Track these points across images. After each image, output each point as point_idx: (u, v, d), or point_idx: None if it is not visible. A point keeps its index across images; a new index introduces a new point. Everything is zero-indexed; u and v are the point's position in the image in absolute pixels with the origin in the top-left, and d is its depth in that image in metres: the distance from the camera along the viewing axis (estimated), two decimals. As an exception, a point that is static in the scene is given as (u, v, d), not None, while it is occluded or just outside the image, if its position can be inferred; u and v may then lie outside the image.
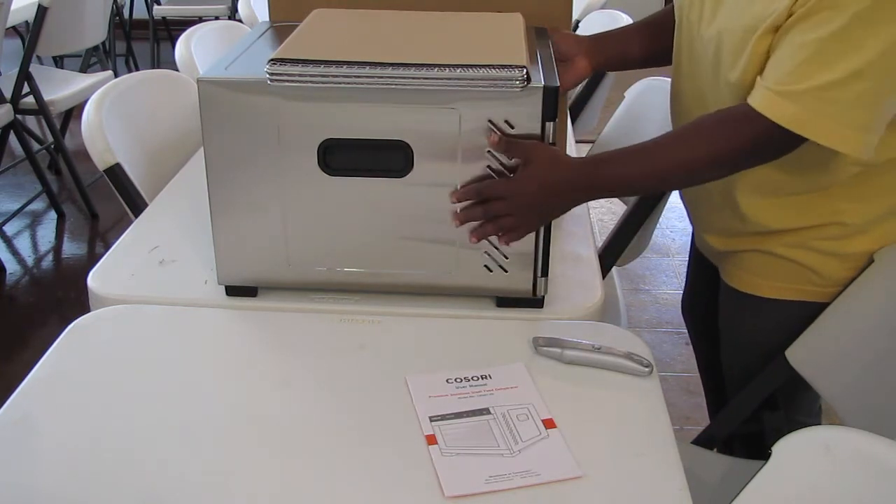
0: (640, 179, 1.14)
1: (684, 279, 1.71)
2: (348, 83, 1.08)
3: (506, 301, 1.20)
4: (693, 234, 1.56)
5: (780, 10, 1.06)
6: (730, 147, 1.11)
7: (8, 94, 3.02)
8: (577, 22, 2.72)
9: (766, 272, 1.30)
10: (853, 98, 1.03)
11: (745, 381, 1.36)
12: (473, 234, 1.13)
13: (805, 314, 1.28)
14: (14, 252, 3.15)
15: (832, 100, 1.04)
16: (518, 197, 1.10)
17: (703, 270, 1.50)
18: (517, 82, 1.07)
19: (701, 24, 1.22)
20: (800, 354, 1.28)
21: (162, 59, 5.23)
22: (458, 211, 1.13)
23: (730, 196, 1.26)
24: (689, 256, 1.65)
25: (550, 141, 1.10)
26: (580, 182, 1.12)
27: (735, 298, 1.36)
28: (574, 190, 1.13)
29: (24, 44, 3.05)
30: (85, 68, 3.74)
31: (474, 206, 1.12)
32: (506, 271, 1.18)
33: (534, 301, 1.20)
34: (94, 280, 1.26)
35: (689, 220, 1.48)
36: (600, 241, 1.69)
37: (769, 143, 1.10)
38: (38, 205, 3.45)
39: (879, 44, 1.00)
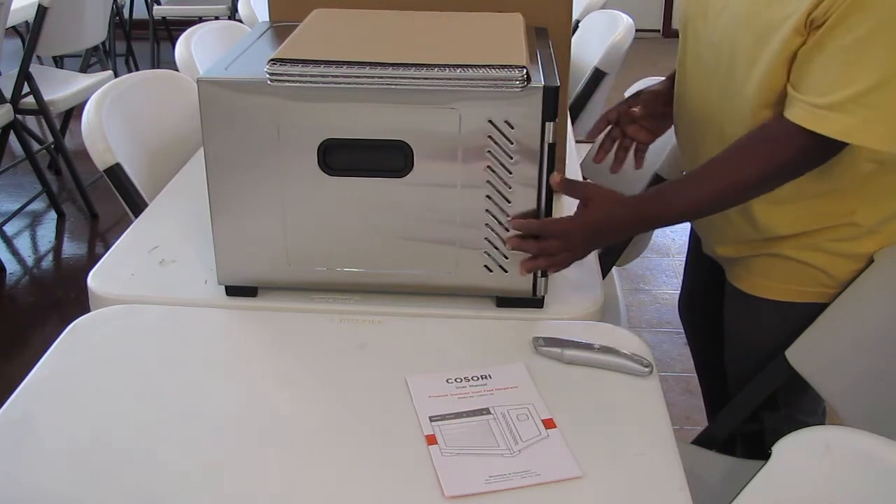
0: (692, 207, 1.17)
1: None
2: (348, 83, 1.08)
3: (506, 301, 1.20)
4: (691, 234, 1.56)
5: (796, 15, 1.06)
6: (777, 164, 1.13)
7: (8, 94, 3.02)
8: (577, 22, 2.72)
9: (776, 275, 1.30)
10: (889, 100, 1.04)
11: (749, 382, 1.36)
12: (524, 266, 1.16)
13: (811, 314, 1.28)
14: (14, 252, 3.15)
15: (877, 104, 1.04)
16: (575, 237, 1.14)
17: (702, 270, 1.50)
18: (517, 82, 1.07)
19: (707, 32, 1.22)
20: (800, 354, 1.28)
21: (162, 59, 5.23)
22: (512, 238, 1.15)
23: (745, 208, 1.26)
24: (687, 255, 1.65)
25: (550, 141, 1.10)
26: (645, 217, 1.16)
27: (742, 301, 1.36)
28: (630, 227, 1.18)
29: (24, 44, 3.05)
30: (85, 68, 3.74)
31: (529, 240, 1.15)
32: (506, 271, 1.18)
33: (534, 301, 1.20)
34: (94, 280, 1.26)
35: (695, 231, 1.47)
36: (600, 241, 1.69)
37: (816, 154, 1.12)
38: (38, 205, 3.45)
39: None
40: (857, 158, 1.16)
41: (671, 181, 1.20)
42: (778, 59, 1.11)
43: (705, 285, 1.50)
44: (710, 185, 1.15)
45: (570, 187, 1.16)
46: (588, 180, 1.16)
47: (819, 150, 1.11)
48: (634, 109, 1.42)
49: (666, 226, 1.21)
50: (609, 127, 1.43)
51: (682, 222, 1.23)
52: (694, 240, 1.56)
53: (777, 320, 1.33)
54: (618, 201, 1.15)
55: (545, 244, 1.14)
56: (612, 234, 1.18)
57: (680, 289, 1.72)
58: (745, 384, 1.38)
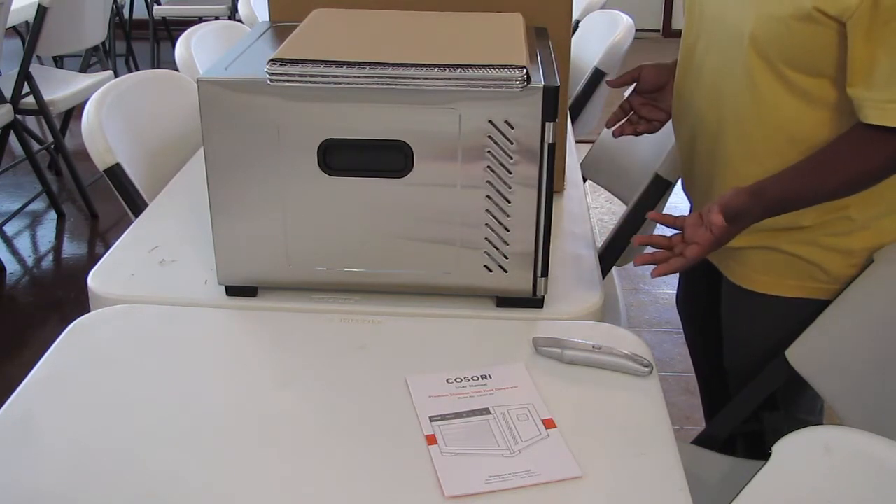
0: (803, 196, 1.18)
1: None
2: (348, 83, 1.08)
3: (506, 301, 1.20)
4: None
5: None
6: (873, 167, 1.14)
7: (8, 94, 3.02)
8: (577, 22, 2.72)
9: (772, 269, 1.30)
10: None
11: (749, 380, 1.36)
12: (657, 271, 1.19)
13: (809, 312, 1.28)
14: (14, 252, 3.15)
15: None
16: (714, 245, 1.16)
17: (698, 268, 1.51)
18: (517, 82, 1.07)
19: (725, 16, 1.23)
20: (800, 354, 1.28)
21: (162, 59, 5.23)
22: (649, 255, 1.20)
23: None
24: None
25: (550, 141, 1.10)
26: (757, 211, 1.16)
27: (739, 296, 1.36)
28: (753, 219, 1.18)
29: (24, 44, 3.05)
30: (85, 68, 3.74)
31: (663, 239, 1.18)
32: (506, 271, 1.18)
33: (534, 301, 1.20)
34: (94, 280, 1.26)
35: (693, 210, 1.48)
36: (600, 241, 1.69)
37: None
38: (38, 205, 3.45)
39: None
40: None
41: (783, 171, 1.21)
42: (816, 44, 1.12)
43: (702, 281, 1.51)
44: (822, 178, 1.16)
45: (725, 210, 1.15)
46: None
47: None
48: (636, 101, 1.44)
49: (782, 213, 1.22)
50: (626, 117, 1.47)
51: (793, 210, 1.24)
52: None
53: (773, 316, 1.33)
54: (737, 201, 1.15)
55: (685, 249, 1.17)
56: (738, 231, 1.18)
57: (677, 287, 1.73)
58: (743, 381, 1.38)
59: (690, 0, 1.32)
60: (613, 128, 1.46)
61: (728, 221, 1.14)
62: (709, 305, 1.48)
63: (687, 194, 1.46)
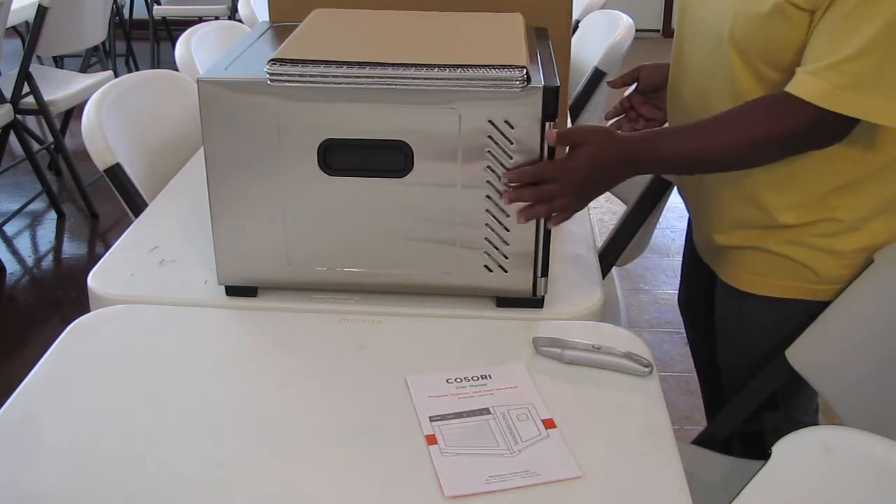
0: (678, 157, 1.17)
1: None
2: (348, 83, 1.08)
3: (506, 301, 1.20)
4: (688, 233, 1.56)
5: None
6: (780, 129, 1.13)
7: (8, 94, 3.02)
8: (577, 22, 2.72)
9: (763, 269, 1.30)
10: (870, 70, 1.06)
11: (743, 380, 1.37)
12: (522, 215, 1.14)
13: (801, 312, 1.28)
14: (14, 252, 3.15)
15: (850, 72, 1.06)
16: (571, 176, 1.12)
17: (699, 266, 1.51)
18: (517, 82, 1.07)
19: (707, 17, 1.24)
20: (800, 354, 1.28)
21: (162, 59, 5.23)
22: (507, 192, 1.13)
23: (744, 187, 1.27)
24: (684, 252, 1.65)
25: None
26: (633, 157, 1.15)
27: (732, 296, 1.36)
28: (626, 166, 1.16)
29: (24, 44, 3.05)
30: (85, 68, 3.74)
31: (526, 188, 1.13)
32: (506, 271, 1.18)
33: (534, 301, 1.20)
34: (94, 280, 1.26)
35: (688, 211, 1.48)
36: (600, 241, 1.69)
37: (814, 126, 1.12)
38: (38, 205, 3.45)
39: (882, 19, 1.04)
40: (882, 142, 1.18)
41: (667, 128, 1.22)
42: (778, 38, 1.13)
43: (703, 281, 1.51)
44: (700, 142, 1.15)
45: (564, 137, 1.13)
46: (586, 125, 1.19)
47: (816, 123, 1.11)
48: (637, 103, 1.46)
49: (653, 172, 1.22)
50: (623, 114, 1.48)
51: (680, 172, 1.23)
52: (690, 241, 1.56)
53: (766, 317, 1.33)
54: (608, 139, 1.14)
55: (541, 190, 1.12)
56: (607, 173, 1.15)
57: (678, 287, 1.73)
58: (738, 382, 1.38)
59: (682, 1, 1.33)
60: (612, 121, 1.47)
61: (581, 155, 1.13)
62: (708, 306, 1.48)
63: (680, 194, 1.46)
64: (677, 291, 1.75)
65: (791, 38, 1.12)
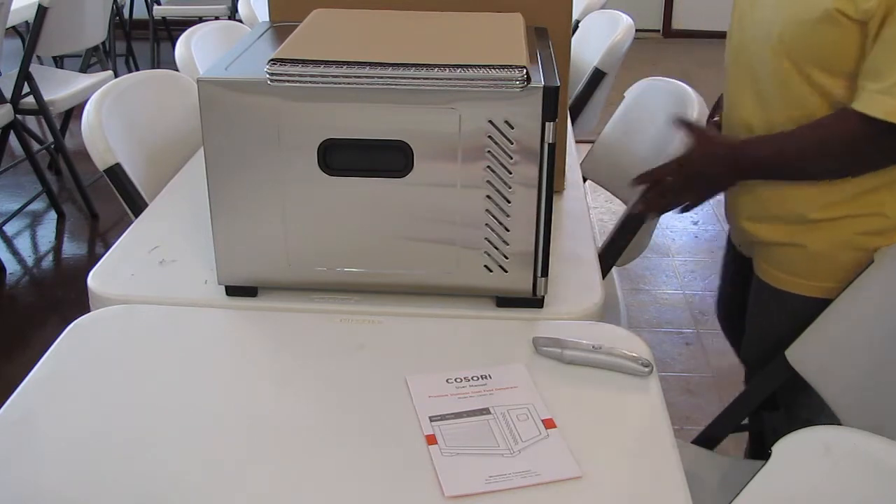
0: (775, 161, 1.25)
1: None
2: (348, 83, 1.08)
3: (506, 301, 1.20)
4: (729, 236, 1.56)
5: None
6: (843, 148, 1.19)
7: (8, 94, 3.02)
8: (577, 22, 2.72)
9: (796, 267, 1.30)
10: None
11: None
12: (644, 207, 1.32)
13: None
14: (14, 252, 3.15)
15: None
16: (688, 167, 1.28)
17: (737, 271, 1.51)
18: (517, 82, 1.07)
19: (754, 12, 1.26)
20: (800, 354, 1.28)
21: (162, 59, 5.23)
22: (636, 204, 1.31)
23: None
24: (724, 257, 1.65)
25: (550, 141, 1.10)
26: (735, 147, 1.28)
27: (761, 290, 1.36)
28: (728, 172, 1.29)
29: (24, 44, 3.05)
30: (85, 68, 3.74)
31: (650, 189, 1.28)
32: (506, 271, 1.18)
33: (534, 301, 1.20)
34: (94, 280, 1.26)
35: (725, 208, 1.47)
36: (600, 241, 1.69)
37: (885, 141, 1.14)
38: (38, 205, 3.45)
39: None
40: None
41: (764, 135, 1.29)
42: (825, 44, 1.15)
43: (739, 283, 1.51)
44: (799, 144, 1.21)
45: (689, 129, 1.29)
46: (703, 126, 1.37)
47: (886, 139, 1.13)
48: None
49: (755, 178, 1.30)
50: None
51: (766, 178, 1.29)
52: (729, 241, 1.56)
53: (791, 313, 1.33)
54: (719, 143, 1.29)
55: (662, 186, 1.27)
56: (712, 174, 1.29)
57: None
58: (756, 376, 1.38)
59: (737, 5, 1.34)
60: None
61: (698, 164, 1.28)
62: (744, 304, 1.48)
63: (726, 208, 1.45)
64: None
65: (841, 44, 1.13)
